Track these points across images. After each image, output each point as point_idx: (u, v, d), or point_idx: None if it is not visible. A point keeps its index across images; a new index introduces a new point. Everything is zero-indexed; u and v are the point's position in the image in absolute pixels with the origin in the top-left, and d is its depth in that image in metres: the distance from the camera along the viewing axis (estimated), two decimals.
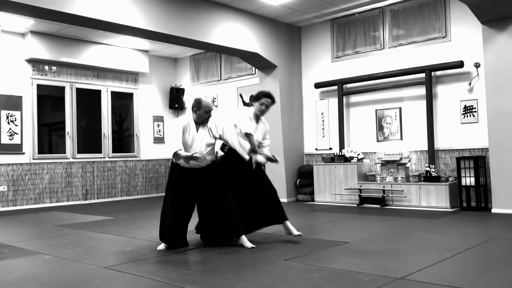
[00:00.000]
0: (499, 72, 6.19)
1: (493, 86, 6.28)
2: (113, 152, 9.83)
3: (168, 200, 4.33)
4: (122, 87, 10.05)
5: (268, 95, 4.60)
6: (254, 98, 4.63)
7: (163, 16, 6.58)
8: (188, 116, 4.33)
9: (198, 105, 4.23)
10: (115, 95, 9.98)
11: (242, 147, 4.42)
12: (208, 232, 4.42)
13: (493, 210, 6.26)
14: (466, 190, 6.64)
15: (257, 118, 4.62)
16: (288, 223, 4.55)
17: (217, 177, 4.37)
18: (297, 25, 8.81)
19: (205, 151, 4.25)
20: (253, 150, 4.37)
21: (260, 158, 4.41)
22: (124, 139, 10.43)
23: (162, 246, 4.31)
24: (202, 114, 4.24)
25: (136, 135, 10.26)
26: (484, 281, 3.00)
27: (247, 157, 4.38)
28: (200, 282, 3.18)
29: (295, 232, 4.49)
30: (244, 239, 4.25)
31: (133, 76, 10.22)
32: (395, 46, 7.74)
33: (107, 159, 9.69)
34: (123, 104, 10.31)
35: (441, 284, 2.93)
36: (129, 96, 10.25)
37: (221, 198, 4.29)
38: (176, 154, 4.03)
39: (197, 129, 4.26)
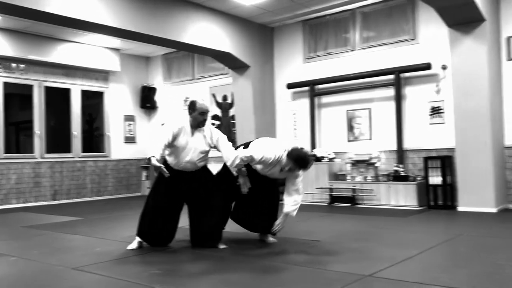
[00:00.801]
0: (465, 74, 6.36)
1: (460, 87, 6.45)
2: (83, 151, 9.67)
3: (154, 198, 4.20)
4: (92, 85, 9.89)
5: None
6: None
7: (134, 14, 6.52)
8: (183, 119, 4.17)
9: (192, 106, 4.09)
10: (85, 94, 9.82)
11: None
12: (196, 235, 4.29)
13: (459, 209, 6.43)
14: (433, 189, 6.80)
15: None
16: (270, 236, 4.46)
17: (210, 179, 4.30)
18: (269, 26, 8.86)
19: (197, 157, 4.13)
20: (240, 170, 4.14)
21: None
22: (94, 139, 10.27)
23: (134, 245, 4.25)
24: (197, 116, 4.08)
25: (107, 134, 10.12)
26: (448, 277, 3.08)
27: (234, 173, 4.20)
28: (171, 282, 3.16)
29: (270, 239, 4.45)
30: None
31: (103, 75, 10.08)
32: (365, 48, 7.87)
33: (76, 158, 9.53)
34: (93, 103, 10.16)
35: (407, 280, 3.00)
36: (100, 95, 10.11)
37: (210, 202, 4.22)
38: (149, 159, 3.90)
39: (193, 133, 4.10)
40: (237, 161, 4.01)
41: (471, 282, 2.96)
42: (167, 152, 4.11)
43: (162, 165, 3.84)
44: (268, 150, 4.06)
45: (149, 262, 3.77)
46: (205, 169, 4.33)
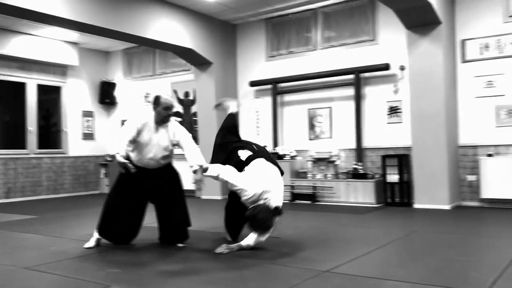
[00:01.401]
0: (422, 75, 6.54)
1: (416, 88, 6.63)
2: (39, 148, 9.37)
3: (116, 196, 4.10)
4: (49, 80, 9.59)
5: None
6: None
7: (93, 7, 6.35)
8: (147, 114, 4.08)
9: (156, 101, 4.02)
10: (42, 89, 9.51)
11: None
12: (164, 233, 4.25)
13: (415, 206, 6.62)
14: (390, 186, 6.97)
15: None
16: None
17: (175, 178, 4.24)
18: (232, 23, 8.84)
19: (160, 154, 4.06)
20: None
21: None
22: (51, 135, 9.97)
23: (91, 243, 4.16)
24: (161, 111, 4.00)
25: (64, 130, 9.84)
26: (403, 272, 3.17)
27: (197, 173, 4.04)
28: (128, 280, 3.11)
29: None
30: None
31: (61, 69, 9.79)
32: (326, 48, 7.97)
33: (32, 155, 9.22)
34: (50, 98, 9.85)
35: (364, 276, 3.07)
36: (57, 89, 9.81)
37: (175, 199, 4.18)
38: (114, 156, 3.83)
39: (157, 129, 4.02)
40: (213, 173, 3.83)
41: (425, 276, 3.06)
42: (130, 148, 4.02)
43: (127, 161, 3.78)
44: (257, 185, 3.76)
45: (107, 261, 3.69)
46: (169, 167, 4.27)
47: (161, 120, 4.04)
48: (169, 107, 4.03)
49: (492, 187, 6.38)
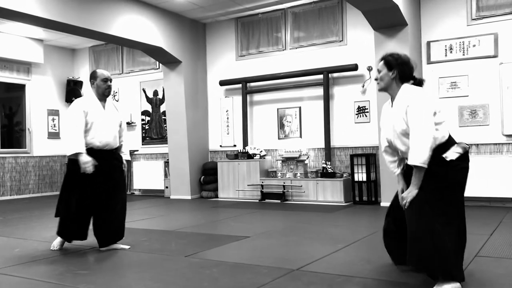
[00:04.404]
0: None
1: None
2: (1, 147, 9.09)
3: (76, 192, 3.89)
4: (12, 77, 9.32)
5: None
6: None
7: (58, 3, 6.20)
8: (86, 96, 3.98)
9: (93, 75, 3.96)
10: (5, 86, 9.25)
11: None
12: (101, 231, 4.02)
13: (382, 204, 6.75)
14: (358, 185, 7.09)
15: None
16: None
17: (122, 175, 4.11)
18: (202, 22, 8.79)
19: (116, 129, 4.00)
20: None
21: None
22: (14, 134, 9.69)
23: (56, 244, 4.06)
24: (100, 84, 3.93)
25: (29, 129, 9.58)
26: (370, 268, 3.23)
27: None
28: (96, 282, 3.06)
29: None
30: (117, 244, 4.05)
31: (25, 67, 9.53)
32: (296, 48, 8.03)
33: None
34: (13, 96, 9.58)
35: (333, 273, 3.11)
36: (21, 87, 9.55)
37: (117, 197, 4.04)
38: (76, 155, 3.71)
39: (103, 106, 3.96)
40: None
41: (392, 273, 3.12)
42: (86, 135, 3.87)
43: (92, 159, 3.72)
44: None
45: (74, 262, 3.62)
46: (120, 157, 4.14)
47: (102, 93, 3.98)
48: (107, 79, 3.98)
49: None
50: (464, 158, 2.82)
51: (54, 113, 10.06)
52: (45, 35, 9.11)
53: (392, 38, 6.59)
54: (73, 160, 3.88)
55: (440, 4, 6.90)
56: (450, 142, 2.82)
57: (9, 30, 8.72)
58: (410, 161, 2.73)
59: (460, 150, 2.79)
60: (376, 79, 3.08)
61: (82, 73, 10.37)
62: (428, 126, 2.69)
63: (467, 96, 6.68)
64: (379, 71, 3.06)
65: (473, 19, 6.68)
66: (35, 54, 9.39)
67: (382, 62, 3.04)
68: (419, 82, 2.99)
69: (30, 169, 9.54)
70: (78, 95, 10.16)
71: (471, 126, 6.65)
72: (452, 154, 2.76)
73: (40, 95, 9.81)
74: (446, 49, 6.83)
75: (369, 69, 7.27)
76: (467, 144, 2.91)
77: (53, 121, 10.04)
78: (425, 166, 2.69)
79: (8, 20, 7.60)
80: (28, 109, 9.61)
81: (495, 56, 6.52)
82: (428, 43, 6.96)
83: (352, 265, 3.38)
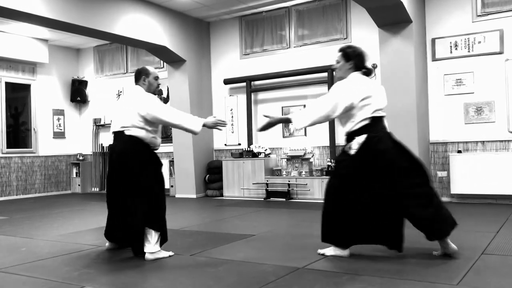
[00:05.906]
0: (394, 73, 6.65)
1: (388, 86, 6.72)
2: (7, 147, 9.14)
3: (156, 190, 3.70)
4: (18, 77, 9.36)
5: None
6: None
7: (63, 3, 6.22)
8: (137, 89, 3.79)
9: (145, 71, 3.82)
10: (10, 86, 9.28)
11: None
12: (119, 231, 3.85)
13: None
14: None
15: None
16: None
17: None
18: (206, 20, 8.79)
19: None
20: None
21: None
22: (20, 134, 9.73)
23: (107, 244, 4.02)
24: (152, 81, 3.84)
25: (34, 129, 9.62)
26: (375, 266, 3.22)
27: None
28: (102, 281, 3.07)
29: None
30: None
31: (30, 67, 9.56)
32: (300, 46, 8.01)
33: (0, 155, 8.99)
34: (19, 96, 9.62)
35: (338, 271, 3.11)
36: (26, 87, 9.58)
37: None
38: (203, 125, 3.66)
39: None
40: None
41: (398, 271, 3.11)
42: (149, 128, 3.68)
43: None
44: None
45: (80, 261, 3.63)
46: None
47: (153, 91, 3.87)
48: (158, 77, 3.92)
49: (462, 182, 6.54)
50: (365, 148, 3.42)
51: (59, 112, 10.10)
52: (50, 35, 9.14)
53: (396, 35, 6.56)
54: (140, 150, 3.69)
55: (445, 0, 6.86)
56: (367, 129, 3.46)
57: (14, 31, 8.75)
58: (294, 119, 3.50)
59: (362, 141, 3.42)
60: (333, 69, 3.55)
61: (87, 73, 10.40)
62: (326, 105, 3.40)
63: (473, 93, 6.64)
64: (337, 62, 3.57)
65: (478, 16, 6.64)
66: (40, 54, 9.43)
67: (341, 53, 3.54)
68: (368, 72, 3.56)
69: (36, 168, 9.58)
70: (83, 94, 10.20)
71: (476, 123, 6.62)
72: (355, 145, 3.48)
73: (45, 95, 9.85)
74: (451, 46, 6.79)
75: (374, 66, 7.23)
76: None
77: (59, 121, 10.08)
78: (298, 128, 3.60)
79: (13, 20, 7.63)
80: (33, 109, 9.65)
81: (500, 53, 6.48)
82: (433, 40, 6.93)
83: (358, 263, 3.37)
